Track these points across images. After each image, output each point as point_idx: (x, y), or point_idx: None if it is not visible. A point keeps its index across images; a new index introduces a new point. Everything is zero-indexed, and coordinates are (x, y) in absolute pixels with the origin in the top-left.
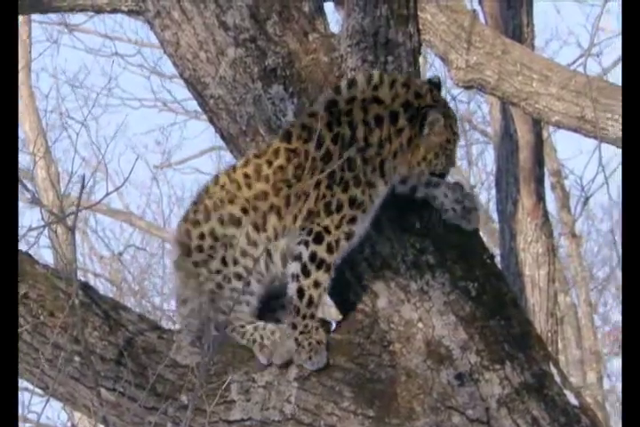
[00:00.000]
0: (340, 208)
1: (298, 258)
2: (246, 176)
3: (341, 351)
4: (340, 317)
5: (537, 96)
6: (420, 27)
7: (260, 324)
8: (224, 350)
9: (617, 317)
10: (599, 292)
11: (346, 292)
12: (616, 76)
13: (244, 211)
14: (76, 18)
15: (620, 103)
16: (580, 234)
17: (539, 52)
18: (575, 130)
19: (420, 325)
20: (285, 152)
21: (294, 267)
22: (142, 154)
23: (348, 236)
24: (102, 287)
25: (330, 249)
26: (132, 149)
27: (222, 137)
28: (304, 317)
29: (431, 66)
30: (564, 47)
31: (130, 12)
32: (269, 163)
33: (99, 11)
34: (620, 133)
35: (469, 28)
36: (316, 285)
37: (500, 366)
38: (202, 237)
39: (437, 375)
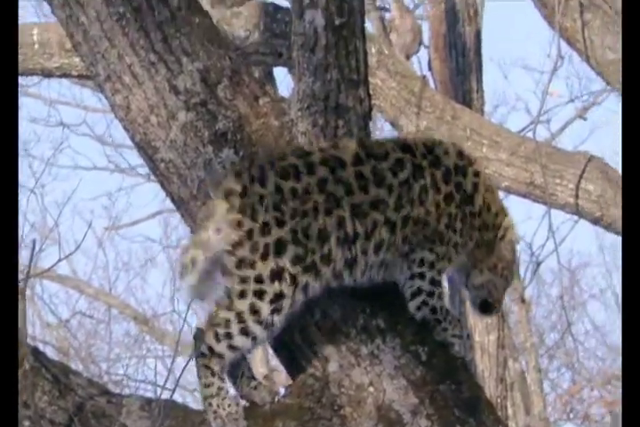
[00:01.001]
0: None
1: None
2: (361, 177)
3: (291, 416)
4: (290, 381)
5: (487, 161)
6: (371, 92)
7: (224, 392)
8: (174, 414)
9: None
10: (549, 358)
11: (296, 355)
12: (564, 142)
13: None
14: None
15: (569, 169)
16: (529, 299)
17: (488, 117)
18: (524, 195)
19: (371, 389)
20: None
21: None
22: (89, 219)
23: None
24: (50, 354)
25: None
26: (79, 214)
27: (173, 201)
28: None
29: (381, 131)
30: (512, 113)
31: (80, 77)
32: (394, 173)
33: (48, 75)
34: (569, 199)
35: (419, 93)
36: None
37: None
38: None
39: None
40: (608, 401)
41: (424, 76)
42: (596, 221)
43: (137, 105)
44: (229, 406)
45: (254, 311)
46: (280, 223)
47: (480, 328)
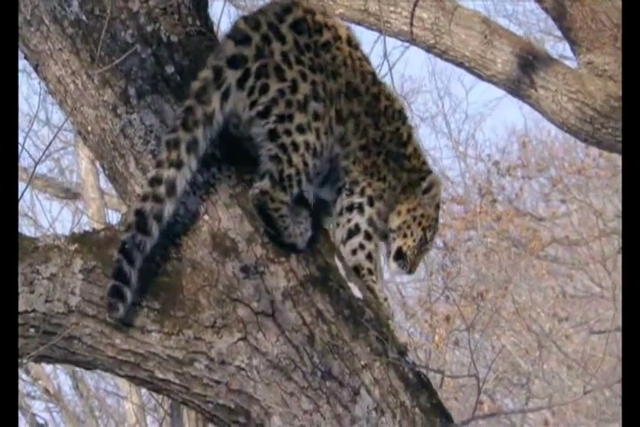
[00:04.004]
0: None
1: None
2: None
3: None
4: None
5: None
6: None
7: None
8: None
9: None
10: None
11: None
12: None
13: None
14: None
15: None
16: None
17: None
18: (359, 22)
19: (206, 217)
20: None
21: None
22: None
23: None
24: None
25: None
26: None
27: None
28: None
29: None
30: None
31: None
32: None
33: None
34: (403, 27)
35: None
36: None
37: (286, 258)
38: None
39: (223, 268)
40: None
41: None
42: (429, 49)
43: None
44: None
45: (306, 164)
46: (304, 77)
47: None
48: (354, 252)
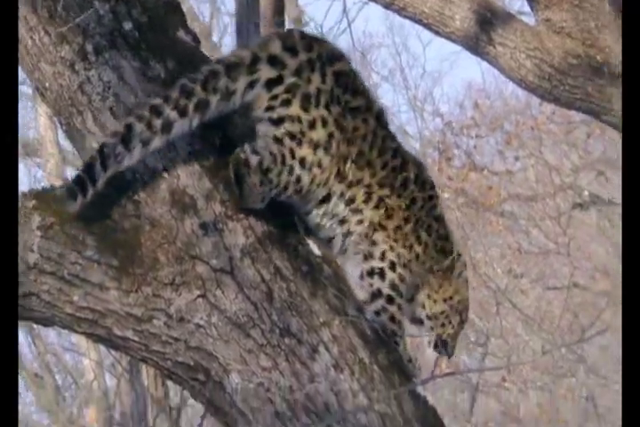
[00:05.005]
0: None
1: None
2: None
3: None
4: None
5: None
6: None
7: None
8: None
9: None
10: None
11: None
12: None
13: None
14: None
15: None
16: None
17: None
18: None
19: (165, 174)
20: None
21: None
22: None
23: None
24: None
25: None
26: None
27: None
28: None
29: None
30: None
31: None
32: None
33: None
34: None
35: None
36: None
37: (244, 215)
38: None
39: (182, 225)
40: None
41: None
42: (387, 6)
43: None
44: None
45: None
46: (324, 122)
47: None
48: (377, 314)
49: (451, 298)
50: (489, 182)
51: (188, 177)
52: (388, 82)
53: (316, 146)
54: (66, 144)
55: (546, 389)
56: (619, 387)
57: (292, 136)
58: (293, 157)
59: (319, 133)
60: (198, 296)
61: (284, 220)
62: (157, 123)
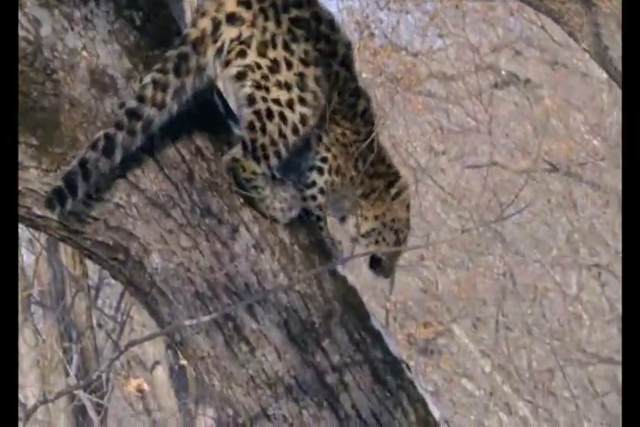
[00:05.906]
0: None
1: None
2: None
3: None
4: None
5: None
6: None
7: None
8: None
9: None
10: None
11: None
12: None
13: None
14: None
15: None
16: None
17: None
18: None
19: (85, 53)
20: None
21: None
22: None
23: None
24: None
25: None
26: None
27: None
28: None
29: None
30: None
31: None
32: None
33: None
34: None
35: None
36: None
37: None
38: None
39: (102, 104)
40: None
41: None
42: None
43: None
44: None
45: (282, 135)
46: (289, 64)
47: None
48: (305, 199)
49: (383, 215)
50: (409, 60)
51: (108, 56)
52: None
53: (287, 86)
54: None
55: (464, 266)
56: (537, 264)
57: (257, 86)
58: (267, 102)
59: (286, 75)
60: (117, 176)
61: (205, 99)
62: (138, 126)
